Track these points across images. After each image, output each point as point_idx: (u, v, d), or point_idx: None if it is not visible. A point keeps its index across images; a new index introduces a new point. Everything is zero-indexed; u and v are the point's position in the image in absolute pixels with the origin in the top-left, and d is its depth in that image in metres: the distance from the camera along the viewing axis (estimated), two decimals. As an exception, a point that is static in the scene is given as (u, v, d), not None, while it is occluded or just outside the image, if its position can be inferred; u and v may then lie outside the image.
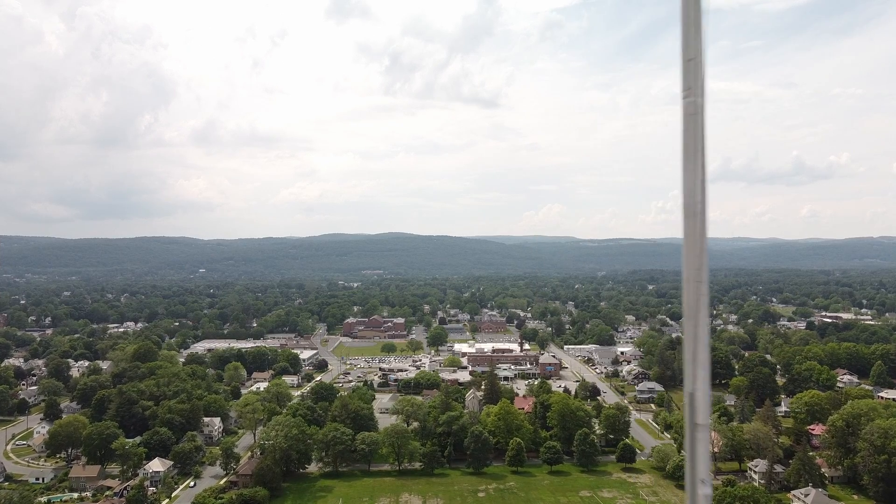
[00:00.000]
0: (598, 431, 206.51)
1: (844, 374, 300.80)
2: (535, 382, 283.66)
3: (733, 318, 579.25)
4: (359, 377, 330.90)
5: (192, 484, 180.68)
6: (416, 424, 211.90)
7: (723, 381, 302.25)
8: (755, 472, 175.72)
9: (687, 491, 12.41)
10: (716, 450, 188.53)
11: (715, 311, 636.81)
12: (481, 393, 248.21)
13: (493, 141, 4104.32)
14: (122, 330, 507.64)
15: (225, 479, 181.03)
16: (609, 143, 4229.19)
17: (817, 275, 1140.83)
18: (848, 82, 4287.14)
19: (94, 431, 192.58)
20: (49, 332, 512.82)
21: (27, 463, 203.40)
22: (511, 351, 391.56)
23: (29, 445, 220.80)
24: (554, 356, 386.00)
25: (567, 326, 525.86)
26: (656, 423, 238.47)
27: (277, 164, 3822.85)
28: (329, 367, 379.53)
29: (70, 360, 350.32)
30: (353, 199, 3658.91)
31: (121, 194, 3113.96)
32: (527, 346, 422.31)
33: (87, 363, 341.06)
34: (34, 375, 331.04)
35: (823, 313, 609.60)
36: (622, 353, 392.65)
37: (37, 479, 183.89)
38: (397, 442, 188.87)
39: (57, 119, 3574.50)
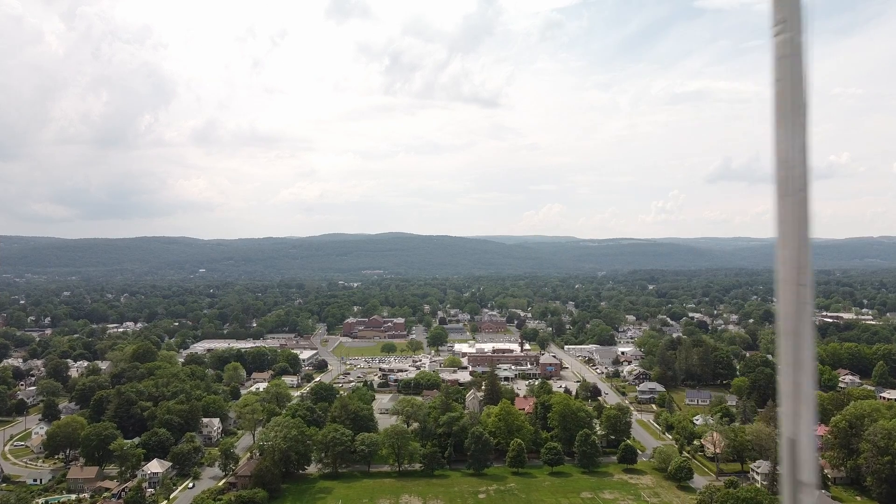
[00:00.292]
0: (599, 432, 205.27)
1: (846, 374, 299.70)
2: (536, 383, 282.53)
3: (734, 318, 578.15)
4: (358, 377, 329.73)
5: (190, 485, 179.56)
6: (416, 425, 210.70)
7: (724, 382, 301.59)
8: (758, 473, 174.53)
9: None
10: (717, 451, 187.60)
11: (716, 311, 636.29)
12: (482, 393, 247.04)
13: (494, 141, 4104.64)
14: (121, 330, 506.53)
15: (224, 481, 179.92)
16: (609, 142, 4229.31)
17: (818, 274, 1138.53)
18: (848, 82, 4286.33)
19: (92, 432, 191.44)
20: (48, 332, 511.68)
21: (25, 464, 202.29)
22: (511, 351, 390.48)
23: (27, 446, 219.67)
24: (554, 356, 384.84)
25: (567, 326, 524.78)
26: (657, 424, 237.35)
27: (277, 164, 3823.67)
28: (329, 367, 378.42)
29: (69, 360, 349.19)
30: (353, 199, 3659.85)
31: (121, 194, 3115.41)
32: (527, 347, 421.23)
33: (85, 363, 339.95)
34: (33, 376, 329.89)
35: (824, 313, 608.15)
36: (623, 353, 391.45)
37: (34, 480, 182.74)
38: (397, 443, 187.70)
39: (57, 119, 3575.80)
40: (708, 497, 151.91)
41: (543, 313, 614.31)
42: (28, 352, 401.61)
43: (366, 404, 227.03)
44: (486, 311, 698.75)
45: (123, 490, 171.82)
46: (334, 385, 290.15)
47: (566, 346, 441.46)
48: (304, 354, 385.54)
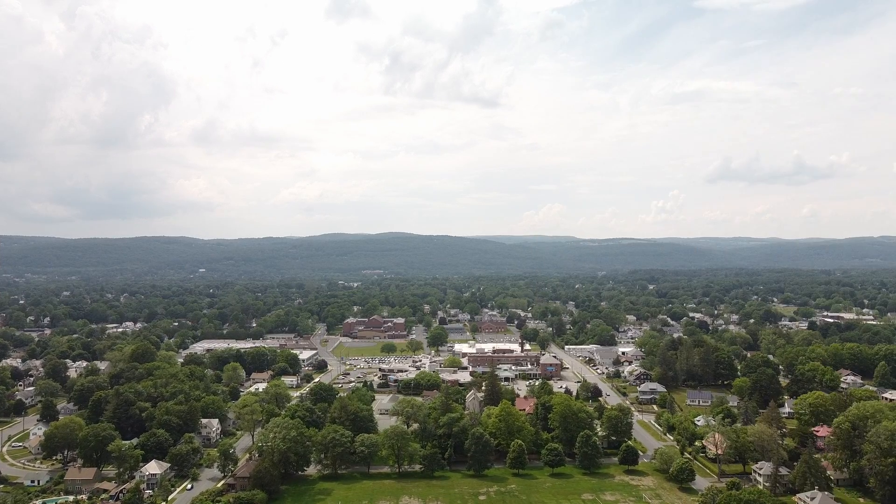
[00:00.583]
0: (600, 433, 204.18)
1: (848, 374, 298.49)
2: (536, 383, 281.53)
3: (735, 318, 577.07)
4: (358, 378, 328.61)
5: (189, 486, 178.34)
6: (416, 426, 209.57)
7: (725, 382, 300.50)
8: (760, 474, 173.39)
9: None
10: (719, 452, 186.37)
11: (716, 311, 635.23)
12: (482, 394, 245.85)
13: (494, 141, 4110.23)
14: (120, 330, 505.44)
15: (222, 482, 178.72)
16: (609, 142, 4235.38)
17: (818, 274, 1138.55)
18: (849, 82, 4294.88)
19: (90, 433, 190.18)
20: (47, 332, 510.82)
21: (23, 465, 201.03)
22: (512, 351, 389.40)
23: (25, 447, 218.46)
24: (555, 356, 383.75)
25: (568, 326, 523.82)
26: (659, 425, 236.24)
27: (277, 163, 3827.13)
28: (329, 367, 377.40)
29: (68, 360, 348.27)
30: (353, 199, 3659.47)
31: (121, 194, 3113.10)
32: (527, 347, 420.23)
33: (84, 364, 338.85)
34: (31, 376, 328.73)
35: (825, 313, 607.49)
36: (623, 353, 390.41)
37: (32, 481, 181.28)
38: (397, 444, 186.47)
39: (57, 119, 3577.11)
40: (710, 499, 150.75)
41: (544, 313, 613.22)
42: (27, 352, 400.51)
43: (365, 405, 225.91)
44: (487, 311, 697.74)
45: (121, 491, 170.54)
46: (334, 385, 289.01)
47: (566, 347, 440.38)
48: (304, 355, 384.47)
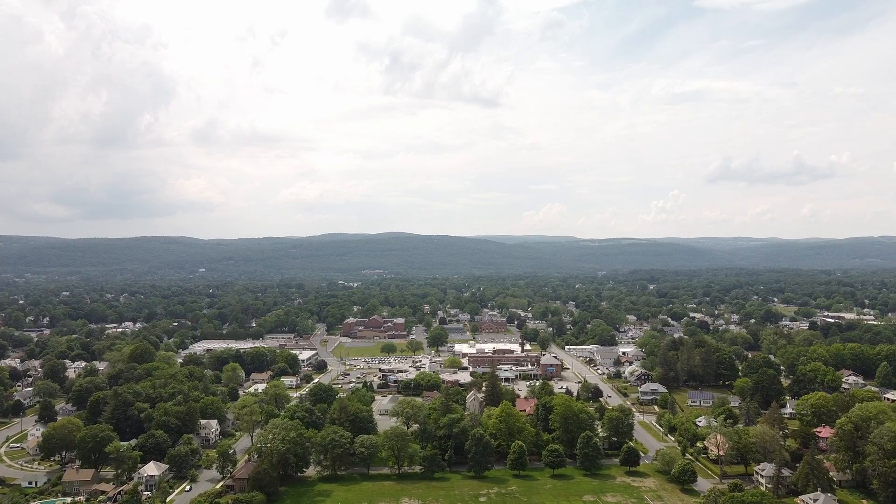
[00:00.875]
0: (601, 434, 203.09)
1: (849, 375, 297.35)
2: (537, 384, 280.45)
3: (735, 318, 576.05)
4: (358, 378, 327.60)
5: (187, 488, 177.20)
6: (416, 427, 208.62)
7: (727, 383, 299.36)
8: (762, 475, 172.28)
9: None
10: (721, 453, 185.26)
11: (717, 311, 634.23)
12: (482, 394, 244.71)
13: (494, 140, 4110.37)
14: (120, 330, 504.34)
15: (221, 483, 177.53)
16: (609, 142, 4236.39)
17: (818, 274, 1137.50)
18: (849, 81, 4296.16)
19: (88, 434, 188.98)
20: (47, 332, 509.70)
21: (21, 466, 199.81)
22: (512, 351, 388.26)
23: (23, 448, 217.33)
24: (555, 357, 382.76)
25: (568, 326, 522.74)
26: (660, 426, 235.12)
27: (277, 163, 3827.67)
28: (328, 367, 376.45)
29: (67, 360, 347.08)
30: (353, 199, 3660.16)
31: (121, 194, 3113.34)
32: (528, 347, 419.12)
33: (83, 364, 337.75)
34: (30, 376, 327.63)
35: (826, 313, 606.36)
36: (624, 353, 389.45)
37: (30, 482, 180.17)
38: (397, 445, 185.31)
39: (57, 119, 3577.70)
40: (712, 500, 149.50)
41: (544, 313, 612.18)
42: (26, 352, 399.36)
43: (365, 406, 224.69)
44: (487, 311, 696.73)
45: (119, 493, 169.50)
46: (333, 386, 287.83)
47: (567, 347, 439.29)
48: (304, 355, 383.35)
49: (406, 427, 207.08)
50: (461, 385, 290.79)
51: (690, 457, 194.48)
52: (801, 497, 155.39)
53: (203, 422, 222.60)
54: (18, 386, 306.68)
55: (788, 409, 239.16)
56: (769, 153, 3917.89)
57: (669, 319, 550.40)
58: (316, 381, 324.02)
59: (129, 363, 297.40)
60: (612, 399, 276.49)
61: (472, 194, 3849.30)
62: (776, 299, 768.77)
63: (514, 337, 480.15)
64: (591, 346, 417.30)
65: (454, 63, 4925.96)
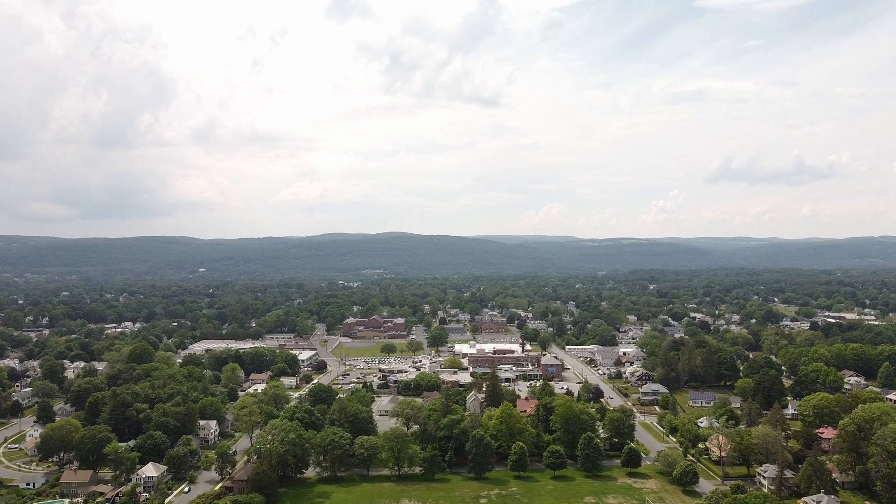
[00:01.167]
0: (602, 435, 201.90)
1: (851, 375, 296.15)
2: (538, 384, 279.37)
3: (736, 318, 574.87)
4: (358, 378, 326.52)
5: (186, 489, 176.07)
6: (416, 428, 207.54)
7: (728, 383, 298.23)
8: (764, 477, 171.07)
9: None
10: (723, 454, 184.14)
11: (717, 311, 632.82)
12: (482, 395, 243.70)
13: (494, 140, 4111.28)
14: (119, 330, 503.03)
15: (220, 485, 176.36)
16: (609, 142, 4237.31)
17: (819, 274, 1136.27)
18: (849, 81, 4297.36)
19: (86, 435, 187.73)
20: (46, 332, 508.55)
21: (18, 467, 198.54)
22: (512, 352, 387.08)
23: (21, 449, 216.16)
24: (556, 357, 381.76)
25: (568, 326, 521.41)
26: (661, 426, 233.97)
27: (278, 163, 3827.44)
28: (328, 368, 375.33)
29: (66, 360, 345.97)
30: (353, 199, 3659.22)
31: (121, 194, 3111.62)
32: (528, 347, 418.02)
33: (82, 364, 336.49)
34: (29, 377, 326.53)
35: (826, 313, 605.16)
36: (624, 353, 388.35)
37: (28, 484, 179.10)
38: (397, 446, 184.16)
39: (57, 118, 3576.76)
40: (714, 502, 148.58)
41: (544, 313, 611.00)
42: (25, 352, 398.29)
43: (365, 406, 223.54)
44: (487, 311, 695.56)
45: (118, 495, 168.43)
46: (333, 386, 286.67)
47: (567, 347, 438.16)
48: (303, 355, 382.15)
49: (406, 428, 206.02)
50: (461, 385, 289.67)
51: (692, 458, 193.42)
52: (803, 499, 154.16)
53: (202, 423, 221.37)
54: (17, 386, 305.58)
55: (790, 410, 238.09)
56: (769, 153, 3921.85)
57: (670, 319, 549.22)
58: (315, 381, 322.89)
59: (128, 363, 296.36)
60: (613, 400, 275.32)
61: (472, 194, 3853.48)
62: (777, 299, 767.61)
63: (515, 337, 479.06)
64: (591, 347, 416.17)
65: (454, 63, 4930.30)
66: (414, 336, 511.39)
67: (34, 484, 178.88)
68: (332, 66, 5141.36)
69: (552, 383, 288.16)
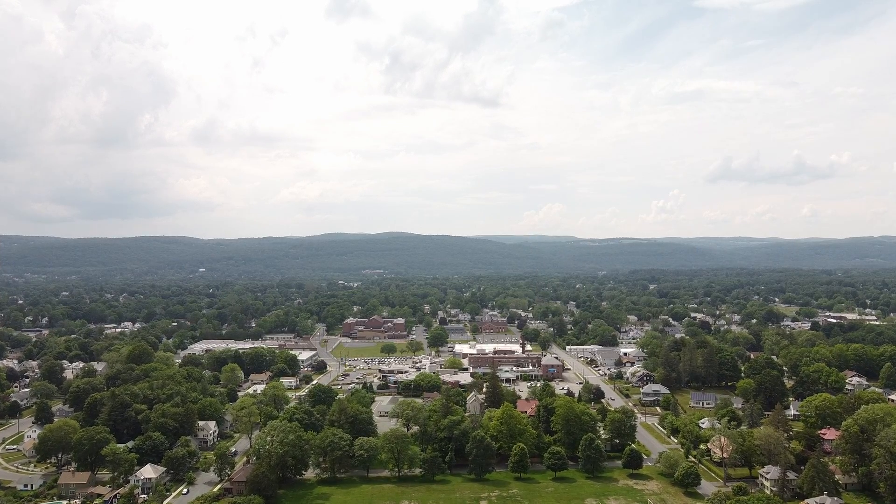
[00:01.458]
0: (603, 436, 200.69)
1: (853, 376, 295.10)
2: (538, 385, 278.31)
3: (736, 318, 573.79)
4: (358, 379, 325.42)
5: (184, 491, 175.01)
6: (416, 429, 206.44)
7: (729, 384, 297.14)
8: (766, 479, 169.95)
9: None
10: (725, 455, 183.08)
11: (718, 311, 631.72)
12: (483, 395, 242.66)
13: (494, 140, 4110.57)
14: (118, 330, 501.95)
15: (219, 486, 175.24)
16: (609, 142, 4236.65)
17: (819, 274, 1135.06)
18: (849, 81, 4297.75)
19: (84, 436, 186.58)
20: (45, 332, 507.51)
21: (16, 468, 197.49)
22: (513, 352, 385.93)
23: (19, 450, 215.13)
24: (556, 357, 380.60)
25: (569, 327, 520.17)
26: (662, 427, 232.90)
27: (278, 163, 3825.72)
28: (328, 368, 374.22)
29: (65, 361, 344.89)
30: (353, 199, 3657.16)
31: (121, 194, 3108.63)
32: (528, 347, 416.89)
33: (81, 365, 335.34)
34: (27, 377, 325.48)
35: (827, 313, 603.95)
36: (625, 353, 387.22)
37: (25, 485, 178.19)
38: (397, 447, 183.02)
39: (57, 118, 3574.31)
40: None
41: (544, 313, 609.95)
42: (24, 353, 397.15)
43: (365, 407, 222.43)
44: (487, 311, 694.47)
45: (115, 496, 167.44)
46: (333, 387, 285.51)
47: (568, 347, 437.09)
48: (303, 355, 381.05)
49: (406, 429, 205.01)
50: (462, 386, 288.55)
51: (694, 459, 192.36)
52: (806, 501, 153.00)
53: (201, 423, 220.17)
54: (15, 387, 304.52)
55: (792, 411, 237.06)
56: (769, 153, 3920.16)
57: (670, 319, 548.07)
58: (315, 381, 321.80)
59: (127, 364, 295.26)
60: (614, 401, 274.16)
61: (472, 194, 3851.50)
62: (777, 299, 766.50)
63: (515, 337, 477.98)
64: (592, 347, 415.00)
65: (454, 63, 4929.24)
66: (414, 336, 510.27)
67: (32, 485, 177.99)
68: (332, 66, 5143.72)
69: (553, 384, 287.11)
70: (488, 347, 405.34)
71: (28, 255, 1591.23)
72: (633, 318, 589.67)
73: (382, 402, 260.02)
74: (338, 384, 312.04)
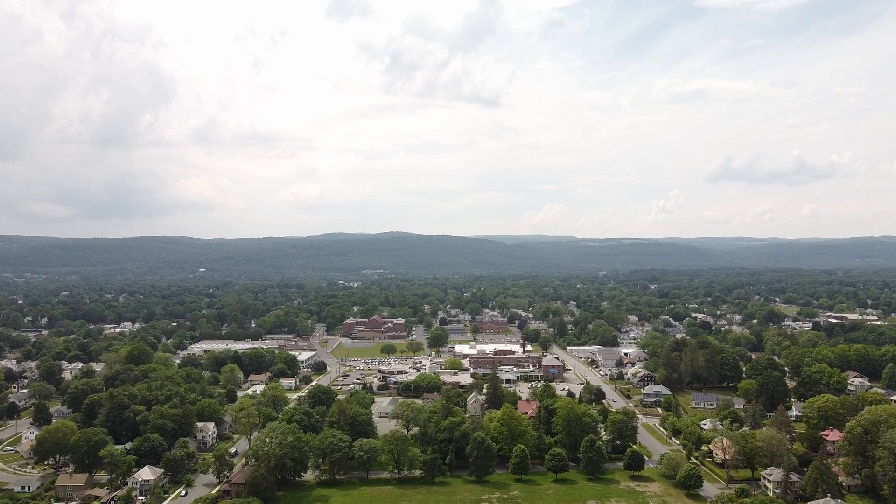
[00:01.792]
0: (604, 437, 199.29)
1: (855, 376, 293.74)
2: (539, 385, 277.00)
3: (737, 318, 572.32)
4: (357, 379, 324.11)
5: (183, 493, 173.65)
6: (416, 430, 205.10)
7: (731, 384, 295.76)
8: (769, 480, 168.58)
9: None
10: (727, 457, 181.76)
11: (719, 312, 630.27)
12: (483, 396, 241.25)
13: (494, 140, 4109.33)
14: (118, 330, 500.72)
15: (217, 489, 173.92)
16: (610, 142, 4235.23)
17: (820, 274, 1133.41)
18: (849, 81, 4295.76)
19: (82, 438, 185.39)
20: (45, 332, 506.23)
21: (14, 470, 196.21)
22: (513, 352, 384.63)
23: (17, 451, 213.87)
24: (557, 358, 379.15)
25: (569, 327, 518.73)
26: (664, 429, 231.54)
27: (278, 163, 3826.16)
28: (328, 368, 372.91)
29: (63, 361, 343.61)
30: (353, 199, 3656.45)
31: (121, 194, 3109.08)
32: (529, 348, 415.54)
33: (80, 365, 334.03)
34: (26, 378, 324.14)
35: (828, 313, 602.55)
36: (626, 354, 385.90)
37: (22, 487, 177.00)
38: (397, 449, 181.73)
39: (57, 118, 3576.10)
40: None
41: (545, 313, 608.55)
42: (23, 353, 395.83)
43: (364, 408, 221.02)
44: (487, 311, 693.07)
45: (113, 498, 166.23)
46: (333, 387, 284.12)
47: (568, 347, 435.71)
48: (303, 356, 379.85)
49: (406, 430, 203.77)
50: (462, 387, 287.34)
51: (696, 461, 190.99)
52: (809, 503, 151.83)
53: (200, 425, 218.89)
54: (14, 388, 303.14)
55: (794, 412, 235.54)
56: (769, 153, 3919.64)
57: (671, 320, 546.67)
58: (315, 382, 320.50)
59: (126, 365, 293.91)
60: (615, 402, 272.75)
61: (472, 194, 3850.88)
62: (778, 299, 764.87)
63: (515, 337, 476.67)
64: (592, 347, 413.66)
65: (455, 63, 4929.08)
66: (414, 336, 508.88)
67: (29, 487, 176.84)
68: (333, 65, 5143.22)
69: (553, 384, 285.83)
70: (489, 348, 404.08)
71: (28, 255, 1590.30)
72: (633, 318, 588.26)
73: (382, 403, 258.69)
74: (337, 385, 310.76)
